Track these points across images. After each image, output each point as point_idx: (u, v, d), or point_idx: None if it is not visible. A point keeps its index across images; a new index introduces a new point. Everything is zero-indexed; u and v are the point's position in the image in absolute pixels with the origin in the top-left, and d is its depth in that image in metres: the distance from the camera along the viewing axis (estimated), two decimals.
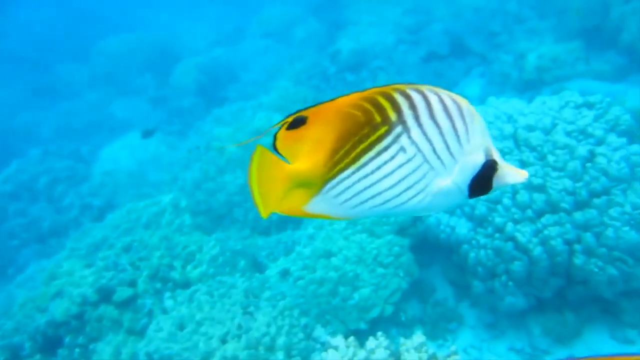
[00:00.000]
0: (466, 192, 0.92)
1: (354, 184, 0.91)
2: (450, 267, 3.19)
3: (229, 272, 3.38)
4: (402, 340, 1.80)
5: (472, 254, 2.82)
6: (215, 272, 3.32)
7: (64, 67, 9.68)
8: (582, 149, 2.67)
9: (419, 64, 6.19)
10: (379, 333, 1.87)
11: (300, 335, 2.39)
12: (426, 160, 0.88)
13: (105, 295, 3.08)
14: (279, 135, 0.92)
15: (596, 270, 2.54)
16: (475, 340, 2.91)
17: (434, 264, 3.34)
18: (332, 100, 0.88)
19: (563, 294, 2.72)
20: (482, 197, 2.78)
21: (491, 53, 5.80)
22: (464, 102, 0.89)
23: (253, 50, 8.60)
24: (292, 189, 0.93)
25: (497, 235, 2.73)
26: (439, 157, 0.88)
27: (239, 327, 2.40)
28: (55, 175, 6.15)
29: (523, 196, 2.68)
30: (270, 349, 2.32)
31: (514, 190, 2.72)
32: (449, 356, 1.68)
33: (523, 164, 2.75)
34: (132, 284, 3.16)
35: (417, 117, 0.87)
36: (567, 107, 2.93)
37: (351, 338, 1.83)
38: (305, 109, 0.90)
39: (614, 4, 5.02)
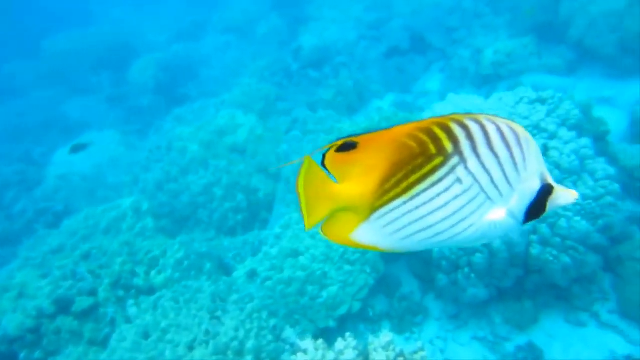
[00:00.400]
0: (522, 219, 0.91)
1: (404, 214, 0.88)
2: (415, 261, 3.25)
3: (195, 276, 3.33)
4: (370, 339, 1.82)
5: (436, 248, 2.89)
6: (180, 277, 3.25)
7: (11, 64, 9.17)
8: (537, 143, 2.77)
9: (381, 60, 6.24)
10: (348, 334, 1.89)
11: (269, 337, 2.38)
12: (483, 191, 0.87)
13: (63, 306, 2.96)
14: (327, 156, 0.88)
15: (551, 259, 2.66)
16: (440, 332, 2.99)
17: (399, 259, 3.40)
18: (386, 129, 0.86)
19: (521, 283, 2.83)
20: None
21: (450, 48, 5.93)
22: (520, 129, 0.88)
23: (214, 46, 8.44)
24: (339, 211, 0.91)
25: None
26: (496, 187, 0.87)
27: (207, 332, 2.37)
28: (5, 179, 5.83)
29: None
30: (239, 353, 2.30)
31: None
32: (415, 352, 1.72)
33: None
34: (93, 292, 3.05)
35: (474, 148, 0.85)
36: (521, 102, 3.04)
37: (320, 340, 1.84)
38: (357, 135, 0.87)
39: (564, 1, 5.24)
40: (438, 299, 3.16)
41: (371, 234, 0.91)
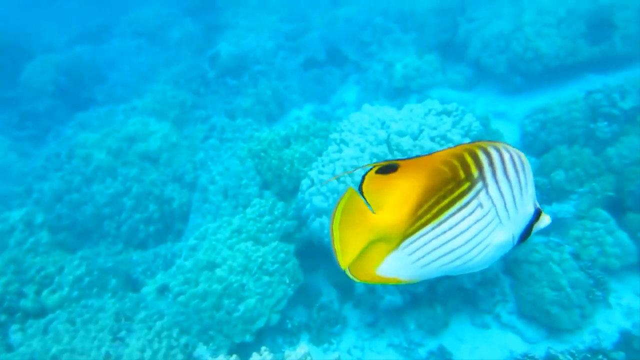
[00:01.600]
0: (517, 241, 0.96)
1: (431, 240, 0.92)
2: (335, 270, 3.26)
3: (98, 294, 3.04)
4: (286, 352, 1.77)
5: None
6: (79, 295, 2.95)
7: None
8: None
9: (299, 70, 6.30)
10: (263, 348, 1.81)
11: (180, 356, 2.23)
12: (497, 215, 0.92)
13: None
14: (367, 177, 0.90)
15: None
16: (358, 340, 3.01)
17: (319, 267, 3.40)
18: (427, 154, 0.90)
19: (433, 288, 2.96)
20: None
21: (365, 61, 6.16)
22: (523, 156, 0.94)
23: (123, 50, 7.94)
24: (371, 243, 0.92)
25: None
26: (507, 211, 0.93)
27: (107, 356, 2.15)
28: None
29: None
30: None
31: None
32: None
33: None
34: None
35: (494, 174, 0.90)
36: (430, 114, 3.21)
37: (234, 356, 1.74)
38: (400, 159, 0.91)
39: (461, 23, 5.70)
40: (356, 307, 3.19)
41: (396, 264, 0.93)
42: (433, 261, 0.93)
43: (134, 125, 4.95)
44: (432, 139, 3.04)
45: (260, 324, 2.87)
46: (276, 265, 3.06)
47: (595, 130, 3.74)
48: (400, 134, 3.10)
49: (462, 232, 0.92)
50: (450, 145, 3.00)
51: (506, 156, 0.91)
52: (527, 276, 2.97)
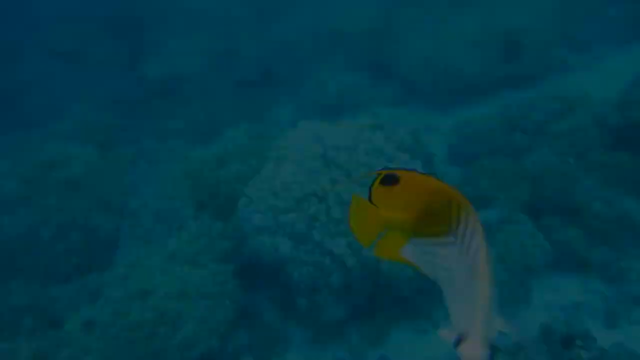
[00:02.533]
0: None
1: (427, 249, 0.97)
2: (276, 287, 3.20)
3: (9, 337, 2.74)
4: None
5: (295, 272, 2.89)
6: None
7: None
8: (379, 166, 3.02)
9: (232, 90, 6.24)
10: None
11: None
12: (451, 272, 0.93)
13: None
14: (373, 189, 0.98)
15: (398, 271, 2.87)
16: (301, 358, 2.96)
17: (259, 287, 3.31)
18: (424, 174, 0.94)
19: (373, 298, 2.98)
20: (302, 215, 2.89)
21: (298, 80, 6.24)
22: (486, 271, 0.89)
23: (36, 71, 7.40)
24: (388, 230, 1.00)
25: (316, 250, 2.85)
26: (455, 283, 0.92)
27: None
28: None
29: (336, 211, 2.88)
30: None
31: (327, 206, 2.90)
32: None
33: (334, 182, 2.97)
34: None
35: (469, 240, 0.90)
36: (364, 129, 3.30)
37: None
38: (398, 169, 0.96)
39: (388, 42, 5.99)
40: (299, 324, 3.14)
41: (412, 252, 1.00)
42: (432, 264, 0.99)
43: (52, 150, 4.61)
44: (367, 153, 3.11)
45: (199, 350, 2.73)
46: (215, 288, 2.95)
47: (512, 141, 4.04)
48: (336, 148, 3.15)
49: (441, 257, 0.96)
50: (385, 158, 3.09)
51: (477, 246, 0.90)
52: None
